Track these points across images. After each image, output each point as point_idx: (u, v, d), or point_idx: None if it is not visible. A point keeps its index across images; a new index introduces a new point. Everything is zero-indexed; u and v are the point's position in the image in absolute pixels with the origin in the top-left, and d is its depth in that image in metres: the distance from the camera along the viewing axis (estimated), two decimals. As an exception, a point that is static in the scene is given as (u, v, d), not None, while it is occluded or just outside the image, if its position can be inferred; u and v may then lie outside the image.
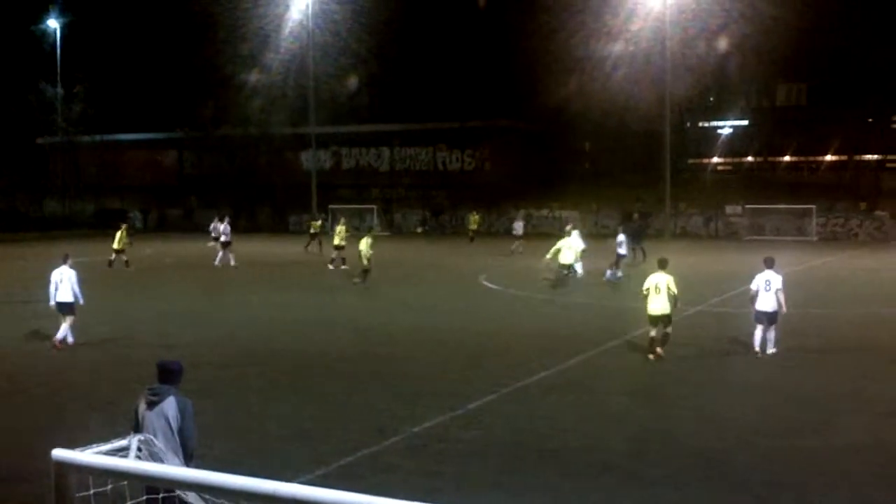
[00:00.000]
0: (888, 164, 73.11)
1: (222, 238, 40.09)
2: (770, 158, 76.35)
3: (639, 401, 15.04)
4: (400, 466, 11.57)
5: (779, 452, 12.05)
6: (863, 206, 59.84)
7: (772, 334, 18.52)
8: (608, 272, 31.76)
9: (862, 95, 70.68)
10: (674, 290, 18.09)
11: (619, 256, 33.06)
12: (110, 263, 37.29)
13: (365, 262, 31.31)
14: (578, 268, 32.16)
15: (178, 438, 8.06)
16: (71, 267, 20.10)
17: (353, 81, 75.06)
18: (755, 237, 54.99)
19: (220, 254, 39.56)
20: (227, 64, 72.51)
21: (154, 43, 77.26)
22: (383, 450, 12.22)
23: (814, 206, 56.77)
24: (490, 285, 31.88)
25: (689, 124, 77.44)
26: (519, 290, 30.30)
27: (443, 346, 20.22)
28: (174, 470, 4.82)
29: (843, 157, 74.00)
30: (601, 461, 11.75)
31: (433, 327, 22.97)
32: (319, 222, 49.14)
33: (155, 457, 7.67)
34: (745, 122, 79.33)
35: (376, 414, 14.18)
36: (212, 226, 46.12)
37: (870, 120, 74.75)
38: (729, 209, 60.29)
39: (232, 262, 38.42)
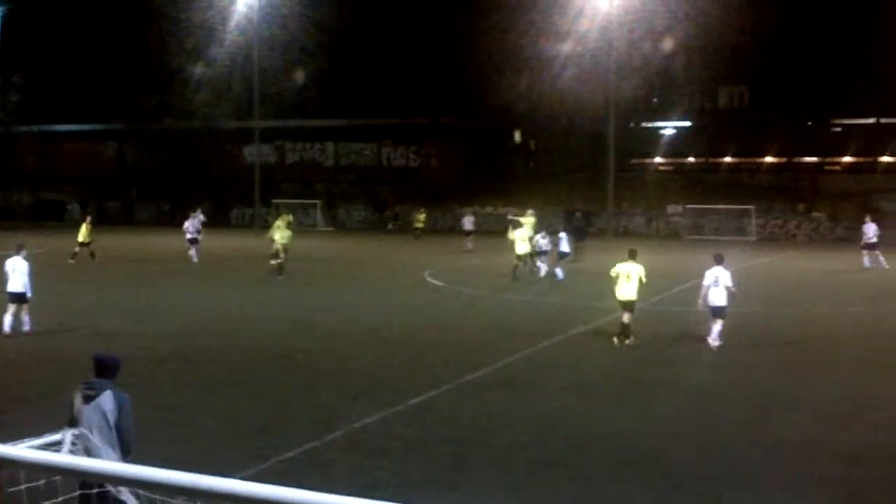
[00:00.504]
0: (826, 167, 74.40)
1: (188, 235, 38.65)
2: (711, 159, 77.25)
3: (579, 397, 15.16)
4: (340, 462, 11.53)
5: (714, 449, 12.23)
6: (801, 207, 60.89)
7: (718, 327, 19.15)
8: (557, 270, 31.84)
9: (802, 99, 71.92)
10: (643, 279, 19.52)
11: (561, 255, 33.13)
12: (73, 256, 36.52)
13: (279, 251, 31.19)
14: (543, 267, 32.27)
15: (114, 433, 7.94)
16: (25, 258, 20.20)
17: (298, 76, 74.54)
18: (696, 237, 55.68)
19: (193, 249, 38.26)
20: (170, 56, 71.56)
21: (95, 33, 75.94)
22: (323, 445, 12.17)
23: (753, 207, 57.62)
24: (435, 282, 31.89)
25: (633, 124, 78.11)
26: (463, 286, 30.36)
27: (385, 343, 20.19)
28: (108, 465, 4.74)
29: (783, 160, 75.17)
30: (542, 458, 11.82)
31: (375, 323, 22.92)
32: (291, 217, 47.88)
33: (90, 451, 7.57)
34: (688, 124, 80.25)
35: (316, 409, 14.12)
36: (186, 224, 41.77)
37: (809, 123, 76.04)
38: (670, 209, 60.95)
39: (194, 259, 37.79)
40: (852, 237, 54.02)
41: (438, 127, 73.96)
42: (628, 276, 19.38)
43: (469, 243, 45.02)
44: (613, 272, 19.77)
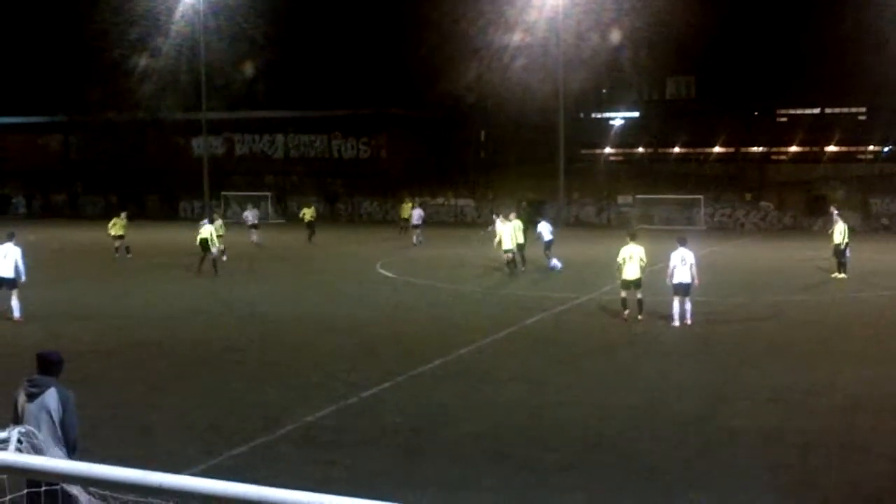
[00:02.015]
0: (773, 157, 75.57)
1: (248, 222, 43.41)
2: (660, 150, 78.12)
3: (532, 388, 15.19)
4: (291, 456, 11.44)
5: (665, 438, 12.32)
6: (748, 196, 61.72)
7: (688, 305, 20.53)
8: (551, 261, 31.49)
9: (748, 90, 72.90)
10: (644, 259, 21.11)
11: (547, 243, 32.48)
12: (117, 250, 36.57)
13: (213, 249, 31.30)
14: (557, 263, 31.60)
15: (59, 431, 7.80)
16: (16, 245, 21.35)
17: (247, 67, 73.87)
18: (646, 226, 56.16)
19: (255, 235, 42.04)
20: (114, 46, 70.53)
21: (38, 23, 74.66)
22: (275, 440, 12.07)
23: (702, 197, 58.26)
24: (387, 273, 31.81)
25: (582, 115, 78.64)
26: (415, 278, 30.32)
27: (336, 335, 20.09)
28: (57, 463, 4.64)
29: (731, 150, 76.19)
30: (495, 449, 11.82)
31: (327, 315, 22.81)
32: (312, 209, 47.51)
33: (36, 449, 7.42)
34: (637, 114, 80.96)
35: (267, 404, 14.00)
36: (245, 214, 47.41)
37: (756, 113, 77.15)
38: (621, 199, 61.42)
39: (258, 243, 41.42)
40: (799, 225, 55.00)
41: (388, 118, 73.84)
42: (631, 257, 20.94)
43: (419, 235, 44.37)
44: (620, 258, 21.08)
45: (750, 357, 17.65)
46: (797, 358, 17.44)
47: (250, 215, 45.41)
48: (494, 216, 34.08)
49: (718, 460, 11.46)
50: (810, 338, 19.63)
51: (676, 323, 20.44)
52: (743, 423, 12.97)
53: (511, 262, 30.18)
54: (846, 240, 29.54)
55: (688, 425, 12.94)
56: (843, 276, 29.32)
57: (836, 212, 32.43)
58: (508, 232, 30.07)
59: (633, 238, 21.67)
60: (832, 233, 30.38)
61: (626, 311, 21.13)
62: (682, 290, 20.42)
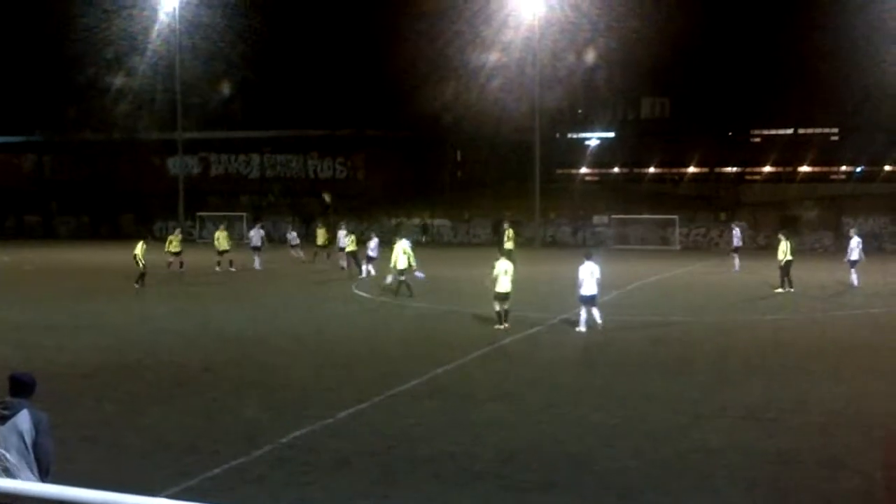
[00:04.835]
0: (747, 177, 76.05)
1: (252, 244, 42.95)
2: (635, 170, 78.47)
3: (507, 407, 15.18)
4: (268, 478, 11.37)
5: (642, 455, 12.33)
6: (722, 216, 62.04)
7: (596, 311, 22.51)
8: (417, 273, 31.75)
9: (722, 110, 73.47)
10: (512, 274, 22.96)
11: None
12: (170, 265, 38.24)
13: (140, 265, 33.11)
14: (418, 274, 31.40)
15: (32, 453, 7.71)
16: None
17: (223, 87, 73.75)
18: (621, 246, 56.35)
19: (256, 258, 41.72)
20: (90, 66, 70.22)
21: (13, 42, 74.25)
22: (251, 461, 11.99)
23: (676, 217, 58.52)
24: (361, 293, 31.75)
25: (558, 135, 78.94)
26: (389, 298, 30.26)
27: (312, 355, 20.03)
28: (29, 486, 4.61)
29: (705, 170, 76.64)
30: (473, 468, 11.80)
31: (302, 335, 22.74)
32: (324, 230, 46.57)
33: (8, 472, 7.35)
34: (612, 134, 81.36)
35: (243, 424, 13.93)
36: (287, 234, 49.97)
37: (730, 134, 77.71)
38: (596, 219, 61.59)
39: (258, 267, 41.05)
40: (771, 245, 55.30)
41: (365, 138, 73.85)
42: (505, 272, 22.79)
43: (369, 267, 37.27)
44: (494, 274, 22.86)
45: (725, 375, 17.71)
46: (771, 376, 17.53)
47: (292, 235, 48.65)
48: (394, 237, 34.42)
49: (695, 478, 11.48)
50: (784, 357, 19.73)
51: (583, 329, 22.25)
52: (720, 440, 13.02)
53: (402, 284, 30.17)
54: (788, 257, 31.05)
55: (665, 442, 12.95)
56: (783, 290, 30.86)
57: (853, 231, 34.23)
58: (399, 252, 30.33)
59: (507, 255, 24.86)
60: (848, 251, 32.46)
61: (503, 324, 22.84)
62: (590, 300, 22.37)
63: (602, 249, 53.95)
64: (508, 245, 38.35)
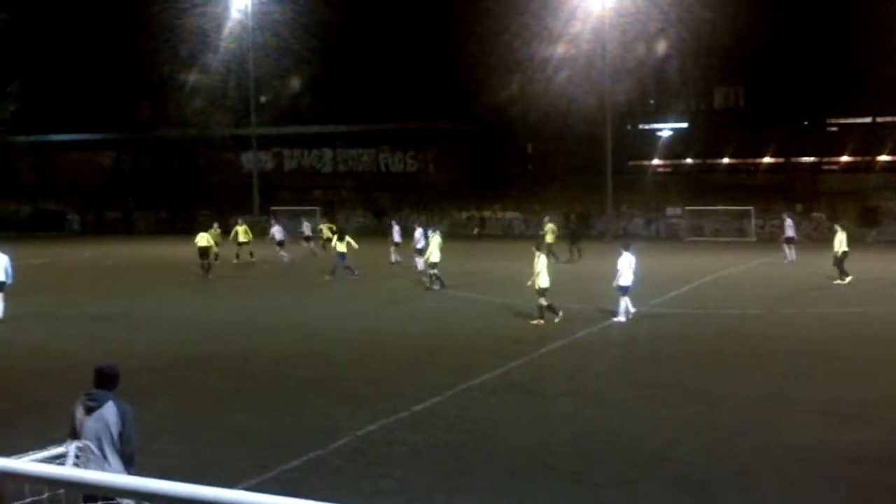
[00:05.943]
0: (824, 167, 74.45)
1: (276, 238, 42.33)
2: (709, 161, 77.30)
3: (581, 401, 15.11)
4: (345, 470, 11.48)
5: (720, 451, 12.18)
6: (799, 207, 60.83)
7: (629, 301, 22.81)
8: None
9: (798, 98, 71.97)
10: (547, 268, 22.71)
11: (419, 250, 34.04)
12: (238, 256, 39.69)
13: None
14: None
15: (118, 444, 7.88)
16: (4, 252, 24.06)
17: (294, 82, 74.53)
18: (696, 238, 55.63)
19: (283, 251, 41.55)
20: (165, 63, 71.50)
21: (91, 41, 75.93)
22: (328, 454, 12.12)
23: (752, 208, 57.54)
24: (433, 287, 31.77)
25: (629, 126, 78.12)
26: (460, 291, 30.27)
27: (386, 349, 20.13)
28: (113, 477, 4.70)
29: (781, 160, 75.21)
30: (546, 462, 11.77)
31: (376, 329, 22.85)
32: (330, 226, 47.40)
33: (94, 464, 7.52)
34: (685, 125, 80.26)
35: (320, 417, 14.08)
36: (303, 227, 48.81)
37: (806, 123, 76.09)
38: (669, 211, 60.87)
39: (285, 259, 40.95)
40: (852, 237, 54.05)
41: (435, 131, 73.98)
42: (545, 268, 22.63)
43: (394, 255, 40.37)
44: (536, 271, 22.46)
45: (801, 370, 17.39)
46: (851, 371, 17.16)
47: (306, 226, 47.95)
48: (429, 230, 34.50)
49: (770, 475, 11.29)
50: (863, 351, 19.28)
51: (622, 318, 22.57)
52: (795, 437, 12.78)
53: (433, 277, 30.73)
54: (844, 248, 30.92)
55: (739, 438, 12.77)
56: (844, 281, 30.52)
57: None
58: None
59: (544, 250, 23.87)
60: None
61: (540, 319, 22.56)
62: (627, 290, 22.63)
63: (676, 242, 53.45)
64: (549, 239, 37.89)
